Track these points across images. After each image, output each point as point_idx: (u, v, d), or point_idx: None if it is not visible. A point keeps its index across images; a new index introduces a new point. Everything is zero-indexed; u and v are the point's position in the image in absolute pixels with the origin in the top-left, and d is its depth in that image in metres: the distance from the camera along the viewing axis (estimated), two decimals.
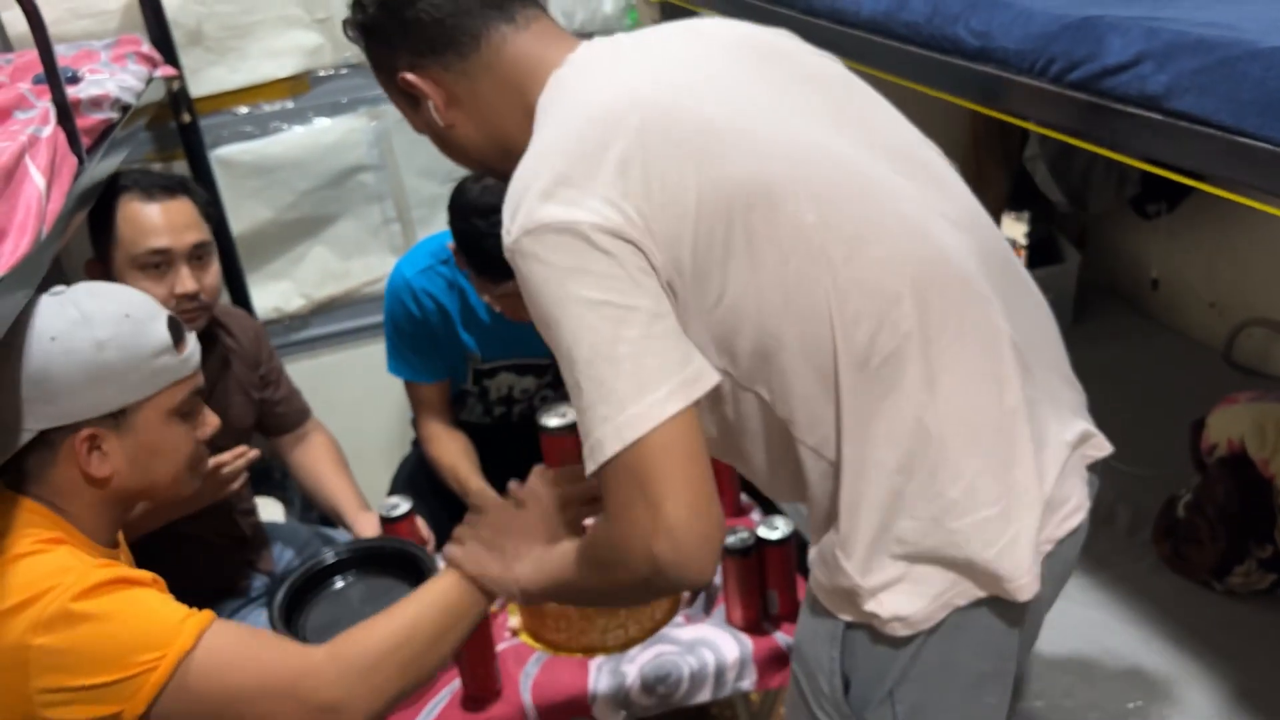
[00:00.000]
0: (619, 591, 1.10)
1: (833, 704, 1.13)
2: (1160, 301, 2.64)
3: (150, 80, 1.95)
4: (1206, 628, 1.71)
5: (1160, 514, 1.92)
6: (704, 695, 1.60)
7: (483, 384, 2.11)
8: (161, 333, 1.22)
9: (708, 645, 1.61)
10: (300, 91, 2.48)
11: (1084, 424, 1.20)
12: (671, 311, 1.00)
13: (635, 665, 1.58)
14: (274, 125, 2.48)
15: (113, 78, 1.69)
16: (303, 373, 2.25)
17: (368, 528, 1.87)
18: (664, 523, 0.94)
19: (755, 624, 1.65)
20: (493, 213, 1.56)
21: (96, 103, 1.53)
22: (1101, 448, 1.21)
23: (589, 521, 1.24)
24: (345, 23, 1.22)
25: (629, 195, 0.99)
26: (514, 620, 1.70)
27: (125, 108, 1.67)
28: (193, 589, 1.83)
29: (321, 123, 2.51)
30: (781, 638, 1.63)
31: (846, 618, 1.10)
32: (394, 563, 1.71)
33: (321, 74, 2.48)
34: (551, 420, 1.57)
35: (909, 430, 1.03)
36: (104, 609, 1.06)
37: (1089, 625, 1.72)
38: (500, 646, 1.63)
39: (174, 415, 1.25)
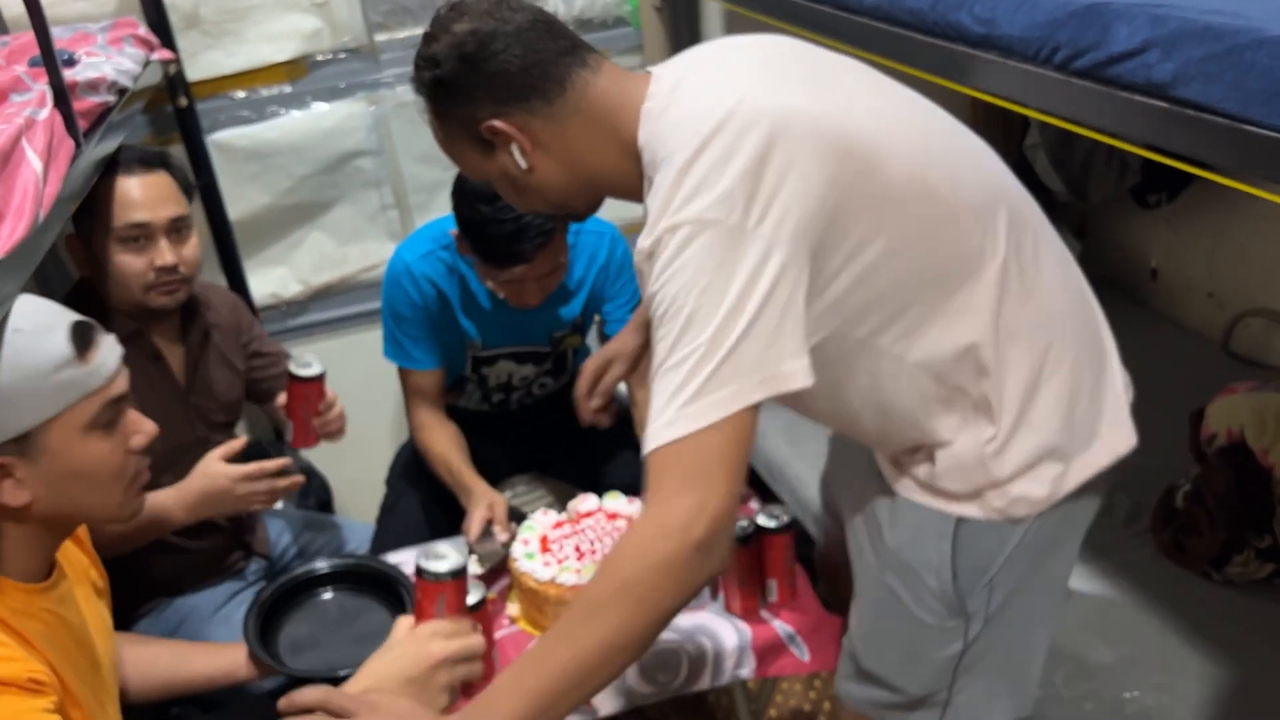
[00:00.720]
0: (651, 621, 1.07)
1: (938, 598, 1.28)
2: (1159, 291, 2.63)
3: (147, 63, 1.94)
4: (1204, 618, 1.71)
5: (1159, 504, 1.92)
6: (703, 683, 1.60)
7: (481, 371, 2.11)
8: (59, 345, 1.11)
9: (706, 633, 1.61)
10: (298, 76, 2.47)
11: None
12: (797, 300, 1.08)
13: None
14: (271, 110, 2.47)
15: (109, 61, 1.68)
16: None
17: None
18: (717, 508, 1.05)
19: (754, 612, 1.65)
20: (497, 198, 1.55)
21: (93, 86, 1.52)
22: None
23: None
24: (414, 81, 1.25)
25: (771, 191, 1.07)
26: (513, 608, 1.70)
27: (122, 91, 1.66)
28: (188, 571, 1.84)
29: (319, 107, 2.50)
30: (780, 626, 1.63)
31: (961, 512, 1.24)
32: (371, 583, 1.71)
33: (319, 58, 2.47)
34: (301, 370, 1.73)
35: (1037, 324, 1.21)
36: None
37: (1086, 614, 1.72)
38: (499, 634, 1.63)
39: (91, 430, 1.14)
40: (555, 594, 1.60)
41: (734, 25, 2.63)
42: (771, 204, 1.07)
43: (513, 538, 1.76)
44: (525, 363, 2.11)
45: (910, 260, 1.15)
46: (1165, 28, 1.12)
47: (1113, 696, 1.59)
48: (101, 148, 1.50)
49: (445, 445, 2.00)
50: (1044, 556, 1.29)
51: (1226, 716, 1.53)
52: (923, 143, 1.20)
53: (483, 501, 1.82)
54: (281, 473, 1.70)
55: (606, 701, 1.57)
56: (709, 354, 1.04)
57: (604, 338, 2.15)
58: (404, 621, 1.32)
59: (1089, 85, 1.24)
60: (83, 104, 1.47)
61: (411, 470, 2.16)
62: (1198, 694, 1.58)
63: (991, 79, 1.41)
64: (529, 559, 1.65)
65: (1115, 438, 1.28)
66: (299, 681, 1.49)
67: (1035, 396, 1.22)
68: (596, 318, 2.16)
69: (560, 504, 1.82)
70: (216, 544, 1.88)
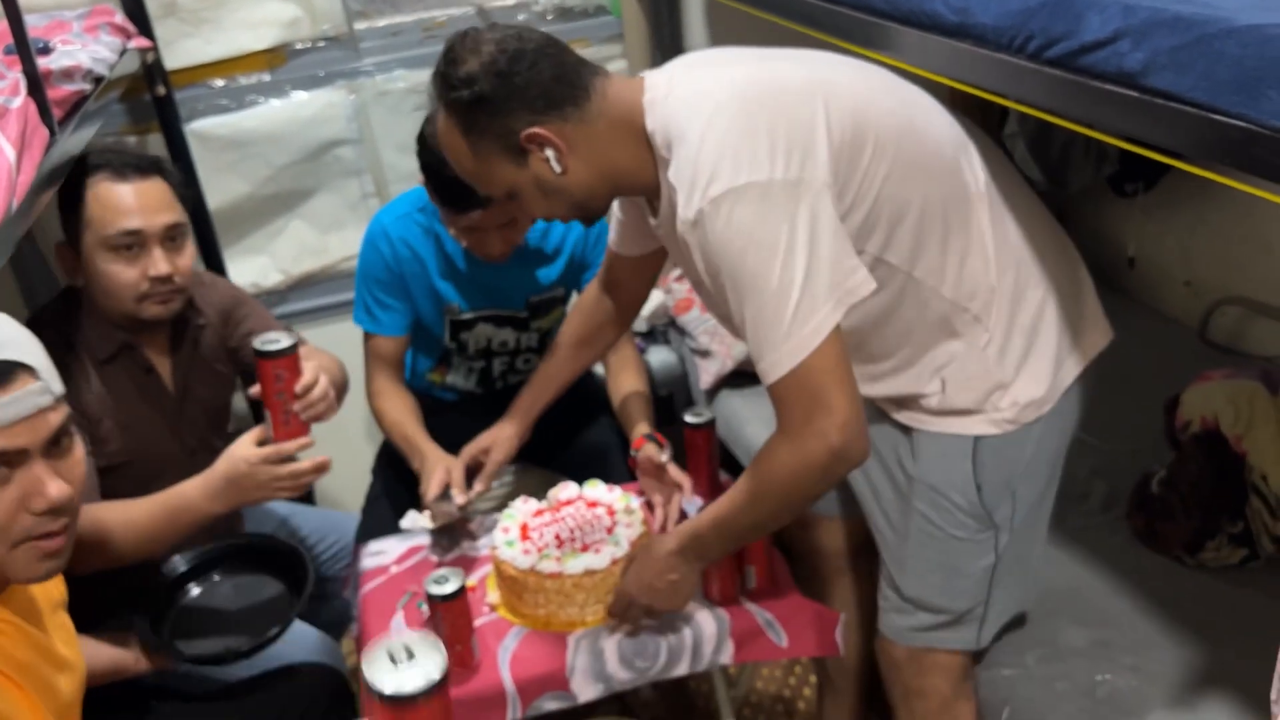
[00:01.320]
0: (810, 498, 1.37)
1: (968, 513, 1.48)
2: (1137, 280, 2.65)
3: (124, 52, 1.93)
4: (1177, 602, 1.73)
5: (1134, 490, 1.94)
6: (681, 669, 1.61)
7: (460, 338, 2.11)
8: None
9: (685, 620, 1.61)
10: (277, 64, 2.46)
11: None
12: (837, 224, 1.25)
13: (613, 640, 1.59)
14: (250, 98, 2.46)
15: (85, 49, 1.67)
16: None
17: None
18: (843, 419, 1.25)
19: (733, 599, 1.66)
20: None
21: (68, 74, 1.52)
22: None
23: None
24: (451, 104, 1.33)
25: (786, 142, 1.23)
26: (492, 595, 1.71)
27: (98, 79, 1.65)
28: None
29: (299, 96, 2.49)
30: (758, 612, 1.64)
31: (977, 431, 1.42)
32: (264, 559, 1.65)
33: (299, 47, 2.46)
34: (267, 346, 1.50)
35: (1017, 240, 1.41)
36: None
37: (1061, 598, 1.74)
38: (478, 622, 1.64)
39: None
40: (535, 582, 1.61)
41: (715, 13, 2.63)
42: (791, 152, 1.23)
43: (469, 502, 1.79)
44: (504, 326, 2.12)
45: (911, 185, 1.32)
46: (1136, 17, 1.13)
47: (1085, 678, 1.61)
48: (77, 137, 1.49)
49: (400, 411, 2.02)
50: (1053, 465, 1.51)
51: (1197, 699, 1.55)
52: (898, 96, 1.38)
53: (440, 464, 1.83)
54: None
55: (586, 688, 1.57)
56: (786, 295, 1.21)
57: None
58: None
59: (1061, 75, 1.24)
60: (57, 92, 1.47)
61: (395, 460, 2.16)
62: (1168, 676, 1.60)
63: (967, 68, 1.42)
64: (509, 547, 1.66)
65: (1096, 333, 1.50)
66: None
67: (1022, 302, 1.41)
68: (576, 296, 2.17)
69: (544, 492, 1.83)
70: (193, 537, 1.86)
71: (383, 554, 1.84)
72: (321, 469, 1.54)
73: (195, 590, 1.63)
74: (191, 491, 1.52)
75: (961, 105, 1.48)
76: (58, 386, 1.11)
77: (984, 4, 1.35)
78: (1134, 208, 2.59)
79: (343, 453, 2.25)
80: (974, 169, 1.40)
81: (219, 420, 1.91)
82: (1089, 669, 1.62)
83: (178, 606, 1.60)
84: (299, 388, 1.54)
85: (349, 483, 2.38)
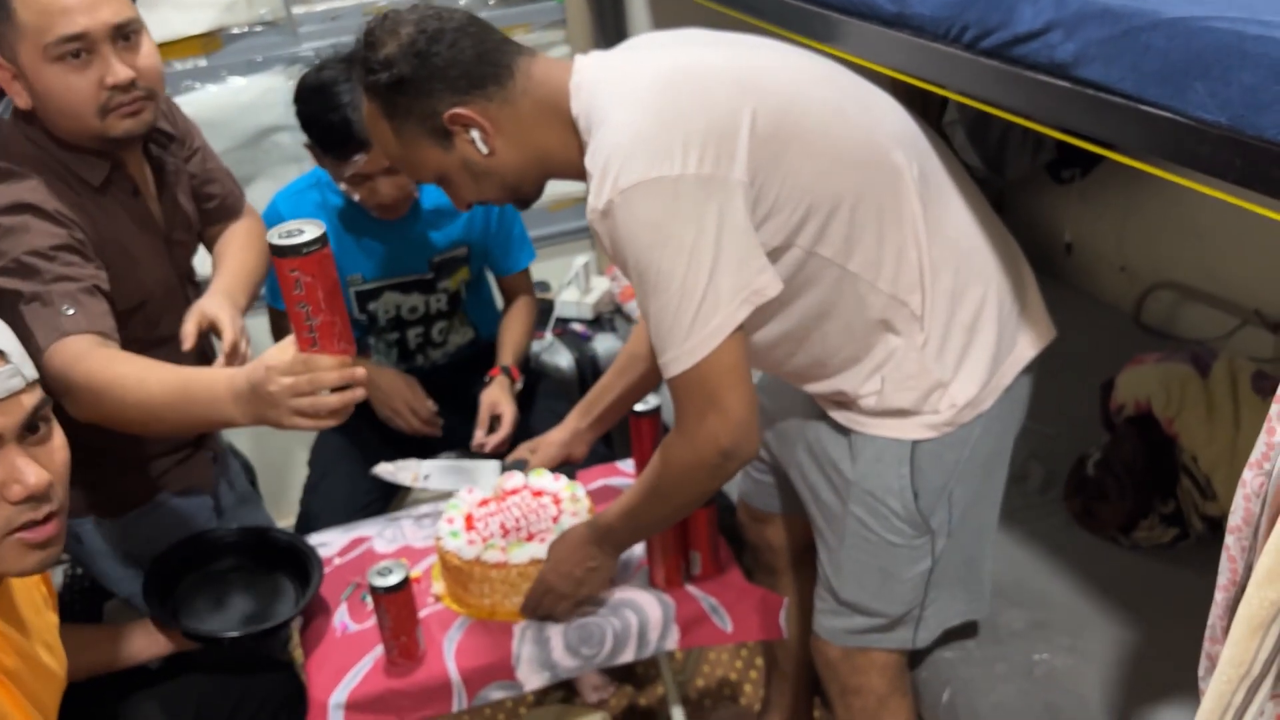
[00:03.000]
0: (704, 494, 1.40)
1: (904, 519, 1.46)
2: (1073, 265, 2.70)
3: None
4: (1112, 581, 1.77)
5: (1071, 472, 1.98)
6: (628, 655, 1.62)
7: (369, 308, 2.11)
8: None
9: (631, 606, 1.62)
10: (213, 49, 2.42)
11: None
12: (746, 223, 1.24)
13: (559, 628, 1.59)
14: (186, 84, 2.41)
15: None
16: None
17: (213, 307, 1.50)
18: (736, 419, 1.27)
19: (678, 584, 1.66)
20: (331, 86, 1.80)
21: None
22: None
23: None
24: (371, 88, 1.30)
25: (701, 135, 1.21)
26: (437, 586, 1.70)
27: None
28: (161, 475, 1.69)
29: (236, 82, 2.45)
30: (703, 598, 1.65)
31: (915, 435, 1.41)
32: (280, 557, 1.69)
33: (235, 31, 2.42)
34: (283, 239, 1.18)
35: (956, 236, 1.39)
36: None
37: (999, 580, 1.77)
38: (423, 613, 1.63)
39: None
40: (480, 572, 1.60)
41: (658, 1, 2.62)
42: (706, 147, 1.21)
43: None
44: (411, 292, 2.12)
45: (842, 178, 1.30)
46: (1068, 9, 1.15)
47: (1023, 658, 1.64)
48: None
49: None
50: (990, 466, 1.50)
51: (1131, 677, 1.59)
52: (833, 85, 1.37)
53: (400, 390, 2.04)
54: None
55: (532, 677, 1.58)
56: (690, 294, 1.21)
57: (498, 278, 2.23)
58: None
59: (996, 65, 1.26)
60: None
61: (334, 447, 2.14)
62: (1104, 655, 1.63)
63: (905, 58, 1.44)
64: (454, 537, 1.65)
65: (1037, 333, 1.48)
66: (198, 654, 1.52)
67: (962, 299, 1.39)
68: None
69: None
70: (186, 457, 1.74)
71: (325, 546, 1.83)
72: (346, 407, 1.22)
73: (207, 571, 1.66)
74: (217, 381, 1.29)
75: (903, 95, 1.50)
76: (29, 370, 1.07)
77: None
78: (1071, 194, 2.63)
79: (277, 444, 2.22)
80: (912, 162, 1.36)
81: (195, 245, 1.73)
82: (1027, 649, 1.66)
83: (183, 590, 1.62)
84: (226, 345, 1.39)
85: (287, 476, 2.36)
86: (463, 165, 1.34)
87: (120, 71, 1.41)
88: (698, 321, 1.22)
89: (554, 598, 1.56)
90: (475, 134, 1.30)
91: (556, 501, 1.73)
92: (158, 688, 1.54)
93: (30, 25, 1.38)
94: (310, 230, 1.16)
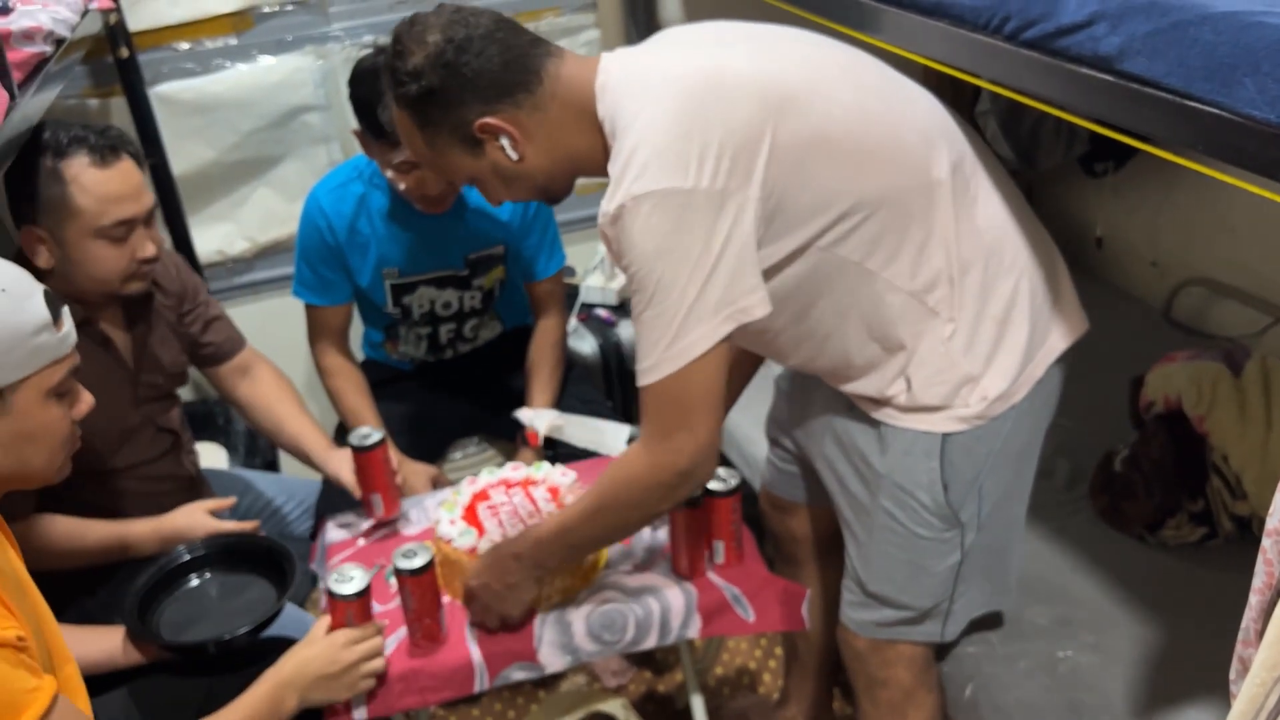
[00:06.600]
0: (648, 517, 1.42)
1: (934, 513, 1.45)
2: (1104, 260, 2.67)
3: (86, 13, 1.88)
4: (1138, 580, 1.76)
5: (1098, 469, 1.96)
6: (649, 642, 1.62)
7: (403, 302, 2.11)
8: (40, 309, 1.15)
9: (653, 594, 1.62)
10: (244, 28, 2.42)
11: None
12: (749, 241, 1.24)
13: (581, 613, 1.59)
14: (216, 62, 2.41)
15: (45, 9, 1.62)
16: (245, 316, 2.21)
17: (341, 466, 1.82)
18: (703, 440, 1.28)
19: (700, 573, 1.66)
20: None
21: (29, 35, 1.48)
22: None
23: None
24: (401, 98, 1.31)
25: (718, 146, 1.21)
26: None
27: (59, 41, 1.61)
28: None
29: (266, 61, 2.45)
30: (726, 587, 1.65)
31: (945, 428, 1.39)
32: (252, 559, 1.68)
33: (266, 10, 2.42)
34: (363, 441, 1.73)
35: (986, 229, 1.37)
36: None
37: (1024, 576, 1.76)
38: (446, 598, 1.63)
39: (52, 395, 1.19)
40: (471, 564, 1.60)
41: None
42: (722, 159, 1.21)
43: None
44: (445, 287, 2.11)
45: (863, 179, 1.29)
46: (1113, 2, 1.13)
47: (1047, 655, 1.64)
48: (38, 100, 1.46)
49: (356, 399, 2.06)
50: (1021, 459, 1.49)
51: (1155, 677, 1.58)
52: (858, 81, 1.35)
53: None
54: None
55: (554, 659, 1.58)
56: (679, 305, 1.22)
57: (527, 277, 2.18)
58: (322, 621, 1.48)
59: (1037, 56, 1.24)
60: (17, 54, 1.43)
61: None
62: (1128, 654, 1.62)
63: (944, 48, 1.42)
64: (451, 527, 1.65)
65: (1071, 322, 1.47)
66: (181, 662, 1.54)
67: (992, 293, 1.38)
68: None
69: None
70: (177, 502, 1.84)
71: (350, 526, 1.83)
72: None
73: (183, 585, 1.65)
74: (142, 532, 1.68)
75: (934, 84, 1.48)
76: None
77: None
78: (1103, 188, 2.61)
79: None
80: (943, 156, 1.34)
81: (175, 383, 1.89)
82: (1051, 646, 1.65)
83: (166, 600, 1.63)
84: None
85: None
86: (493, 170, 1.35)
87: (149, 249, 1.65)
88: (680, 332, 1.22)
89: (478, 607, 1.56)
90: (505, 141, 1.31)
91: (554, 493, 1.73)
92: (170, 678, 1.55)
93: (87, 210, 1.57)
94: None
